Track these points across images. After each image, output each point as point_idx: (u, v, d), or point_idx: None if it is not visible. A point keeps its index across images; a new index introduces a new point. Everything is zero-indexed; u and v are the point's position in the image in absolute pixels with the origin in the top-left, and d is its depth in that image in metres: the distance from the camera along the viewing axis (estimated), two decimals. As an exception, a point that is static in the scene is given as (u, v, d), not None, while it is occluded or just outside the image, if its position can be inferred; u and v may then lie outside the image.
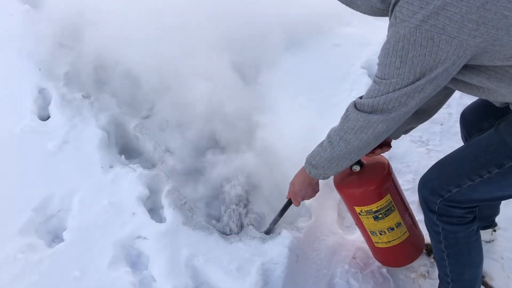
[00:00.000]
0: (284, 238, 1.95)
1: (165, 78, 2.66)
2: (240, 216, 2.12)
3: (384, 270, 1.97)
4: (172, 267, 1.84)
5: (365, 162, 1.77)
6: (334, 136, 1.45)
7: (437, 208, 1.54)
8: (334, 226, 2.04)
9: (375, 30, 3.01)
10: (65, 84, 2.69)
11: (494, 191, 1.46)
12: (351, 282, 1.91)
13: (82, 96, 2.64)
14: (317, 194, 1.80)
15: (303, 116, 2.40)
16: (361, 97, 1.39)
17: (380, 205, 1.72)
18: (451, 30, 1.12)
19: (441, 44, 1.13)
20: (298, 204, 1.81)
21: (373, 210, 1.73)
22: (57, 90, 2.64)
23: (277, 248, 1.92)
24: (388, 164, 1.78)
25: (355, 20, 3.18)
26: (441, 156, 2.34)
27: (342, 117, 1.44)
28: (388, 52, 1.22)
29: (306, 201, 2.08)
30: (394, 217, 1.75)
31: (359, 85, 2.69)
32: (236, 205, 2.16)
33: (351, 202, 1.80)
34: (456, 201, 1.50)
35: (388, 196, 1.72)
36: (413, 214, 1.88)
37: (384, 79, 1.27)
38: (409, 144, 2.47)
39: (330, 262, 1.98)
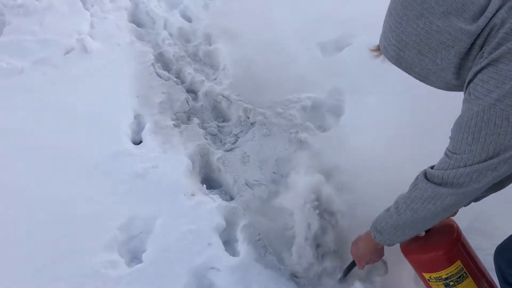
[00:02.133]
0: (355, 290, 1.90)
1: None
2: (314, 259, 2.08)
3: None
4: (242, 303, 1.86)
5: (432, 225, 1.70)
6: (401, 204, 1.43)
7: None
8: (410, 285, 1.95)
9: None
10: (159, 112, 2.87)
11: None
12: None
13: (173, 124, 2.80)
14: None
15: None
16: (432, 167, 1.37)
17: (450, 272, 1.62)
18: None
19: None
20: (362, 268, 1.77)
21: (443, 277, 1.63)
22: (151, 117, 2.83)
23: (349, 299, 1.87)
24: (457, 227, 1.69)
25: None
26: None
27: (411, 185, 1.42)
28: (461, 127, 1.20)
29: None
30: (468, 285, 1.63)
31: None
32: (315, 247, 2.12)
33: (419, 268, 1.72)
34: None
35: (459, 262, 1.61)
36: (493, 282, 1.75)
37: (455, 153, 1.25)
38: (501, 205, 2.31)
39: (403, 321, 1.89)
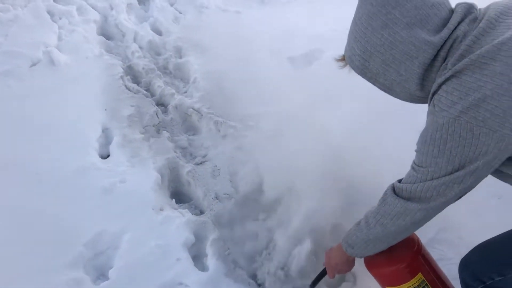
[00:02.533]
0: (325, 303, 1.90)
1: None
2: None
3: None
4: (210, 318, 1.83)
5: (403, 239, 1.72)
6: (371, 218, 1.43)
7: None
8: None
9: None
10: (127, 125, 2.83)
11: None
12: None
13: (142, 138, 2.76)
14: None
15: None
16: (400, 181, 1.36)
17: (412, 284, 1.63)
18: (491, 124, 1.09)
19: (481, 137, 1.10)
20: (333, 277, 1.77)
21: None
22: (119, 130, 2.79)
23: (318, 313, 1.87)
24: (418, 240, 1.70)
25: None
26: (497, 232, 2.26)
27: (380, 199, 1.41)
28: (426, 140, 1.20)
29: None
30: None
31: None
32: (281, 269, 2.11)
33: (382, 281, 1.74)
34: None
35: (420, 275, 1.63)
36: None
37: (421, 166, 1.24)
38: (464, 215, 2.37)
39: (372, 332, 1.90)
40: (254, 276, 2.09)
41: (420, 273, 1.63)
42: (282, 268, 2.04)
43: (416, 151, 1.27)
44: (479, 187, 2.59)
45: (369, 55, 1.24)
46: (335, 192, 2.24)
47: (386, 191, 1.40)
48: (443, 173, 1.20)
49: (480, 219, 2.35)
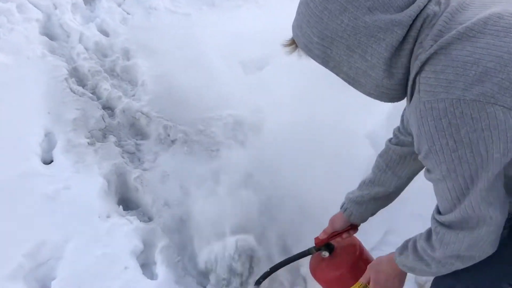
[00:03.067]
0: (276, 308, 1.90)
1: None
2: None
3: None
4: (160, 328, 1.79)
5: (335, 245, 1.75)
6: (443, 260, 1.20)
7: None
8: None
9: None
10: (72, 130, 2.72)
11: None
12: None
13: (88, 142, 2.66)
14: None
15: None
16: (438, 211, 1.17)
17: None
18: (504, 100, 0.93)
19: (498, 115, 0.93)
20: None
21: None
22: (63, 134, 2.67)
23: (269, 318, 1.87)
24: (359, 245, 1.74)
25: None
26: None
27: (434, 239, 1.19)
28: (431, 136, 0.99)
29: (302, 269, 2.05)
30: None
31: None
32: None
33: (326, 287, 1.78)
34: None
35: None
36: None
37: (446, 171, 1.02)
38: (409, 218, 2.45)
39: (323, 336, 1.92)
40: (204, 283, 2.06)
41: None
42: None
43: (427, 169, 1.09)
44: (423, 189, 2.71)
45: (330, 41, 1.08)
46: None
47: (434, 231, 1.19)
48: (474, 167, 0.99)
49: (425, 222, 2.43)
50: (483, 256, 1.16)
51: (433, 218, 1.20)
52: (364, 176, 1.64)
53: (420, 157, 1.09)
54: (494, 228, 1.09)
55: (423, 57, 1.01)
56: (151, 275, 2.04)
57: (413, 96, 1.05)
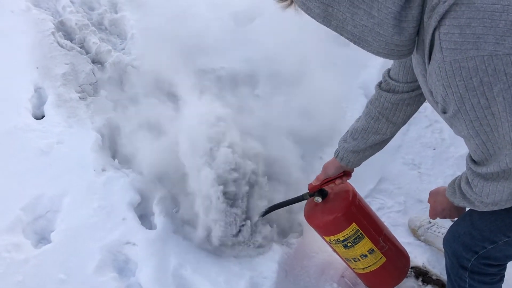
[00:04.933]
0: (274, 253, 1.95)
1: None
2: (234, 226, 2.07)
3: (372, 290, 1.97)
4: (160, 275, 1.83)
5: (329, 191, 1.78)
6: (484, 199, 1.17)
7: (470, 264, 1.41)
8: (324, 243, 2.04)
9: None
10: (62, 84, 2.67)
11: None
12: (338, 301, 1.91)
13: (79, 97, 2.62)
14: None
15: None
16: (473, 160, 1.12)
17: (347, 234, 1.72)
18: None
19: None
20: (434, 218, 1.56)
21: (341, 239, 1.74)
22: (53, 89, 2.63)
23: (267, 263, 1.91)
24: (352, 191, 1.77)
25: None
26: (432, 179, 2.40)
27: (474, 190, 1.17)
28: (461, 96, 0.92)
29: (298, 217, 2.09)
30: (365, 244, 1.75)
31: (354, 105, 2.72)
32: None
33: (319, 232, 1.83)
34: (492, 257, 1.37)
35: (354, 225, 1.72)
36: (392, 237, 1.88)
37: (480, 127, 0.97)
38: (402, 166, 2.49)
39: (319, 280, 1.98)
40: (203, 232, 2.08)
41: (354, 223, 1.71)
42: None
43: (455, 126, 1.03)
44: (416, 139, 2.73)
45: None
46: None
47: (472, 183, 1.17)
48: (506, 124, 0.93)
49: (417, 169, 2.48)
50: None
51: (469, 167, 1.15)
52: (355, 123, 1.60)
53: (446, 116, 1.02)
54: None
55: (441, 9, 0.91)
56: (150, 226, 2.06)
57: (433, 54, 0.95)
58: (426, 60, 1.00)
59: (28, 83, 2.65)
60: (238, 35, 3.14)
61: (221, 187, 1.94)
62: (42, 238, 1.99)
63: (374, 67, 2.95)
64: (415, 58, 1.11)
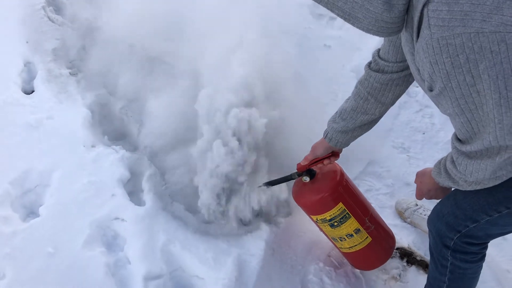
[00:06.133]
0: (262, 232, 1.97)
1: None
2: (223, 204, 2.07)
3: (357, 270, 2.00)
4: (148, 251, 1.84)
5: (317, 171, 1.80)
6: (467, 177, 1.19)
7: (452, 243, 1.45)
8: (311, 223, 2.07)
9: (366, 35, 3.04)
10: (52, 60, 2.64)
11: None
12: (324, 280, 1.94)
13: (70, 73, 2.60)
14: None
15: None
16: (458, 139, 1.14)
17: (333, 214, 1.74)
18: None
19: None
20: (420, 198, 1.57)
21: (327, 218, 1.76)
22: (43, 64, 2.60)
23: (255, 241, 1.94)
24: (340, 172, 1.79)
25: (346, 24, 3.21)
26: (421, 163, 2.43)
27: (458, 168, 1.19)
28: (447, 72, 0.93)
29: (285, 196, 2.10)
30: (351, 224, 1.77)
31: (347, 87, 2.72)
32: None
33: (306, 211, 1.85)
34: (474, 236, 1.40)
35: (340, 204, 1.74)
36: (378, 218, 1.91)
37: (466, 107, 0.98)
38: (391, 149, 2.51)
39: (305, 259, 2.01)
40: (192, 209, 2.10)
41: (340, 202, 1.73)
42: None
43: (441, 104, 1.04)
44: (406, 123, 2.74)
45: None
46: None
47: (456, 162, 1.18)
48: (491, 101, 0.94)
49: (406, 152, 2.50)
50: (510, 174, 1.14)
51: (453, 145, 1.17)
52: (345, 103, 1.60)
53: (432, 94, 1.03)
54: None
55: None
56: (139, 202, 2.07)
57: (422, 31, 0.96)
58: (415, 37, 1.01)
59: (17, 57, 2.61)
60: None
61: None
62: (30, 212, 1.99)
63: (368, 51, 2.96)
64: (404, 36, 1.12)
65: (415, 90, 2.74)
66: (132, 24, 2.78)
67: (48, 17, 2.95)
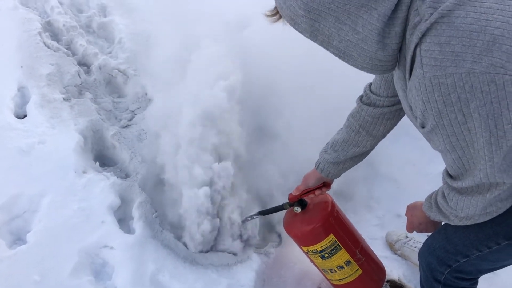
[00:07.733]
0: (252, 262, 1.96)
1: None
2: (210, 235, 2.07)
3: (348, 302, 1.98)
4: (137, 280, 1.81)
5: (309, 201, 1.80)
6: (458, 213, 1.20)
7: (443, 278, 1.44)
8: (302, 253, 2.05)
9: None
10: (46, 85, 2.65)
11: (505, 259, 1.35)
12: (314, 312, 1.92)
13: (63, 98, 2.61)
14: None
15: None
16: (449, 175, 1.15)
17: (324, 245, 1.74)
18: None
19: (507, 87, 0.89)
20: (411, 231, 1.57)
21: (318, 249, 1.75)
22: (37, 89, 2.61)
23: (245, 271, 1.92)
24: (331, 203, 1.79)
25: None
26: (411, 195, 2.42)
27: (450, 204, 1.20)
28: (439, 111, 0.95)
29: (277, 227, 2.10)
30: (342, 256, 1.76)
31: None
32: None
33: (298, 242, 1.84)
34: (465, 271, 1.40)
35: (331, 236, 1.73)
36: (369, 250, 1.90)
37: (457, 145, 1.00)
38: (384, 182, 2.52)
39: (296, 289, 1.98)
40: (181, 238, 2.08)
41: (331, 234, 1.73)
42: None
43: (433, 141, 1.06)
44: (397, 155, 2.76)
45: (317, 14, 1.01)
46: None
47: (447, 197, 1.20)
48: (481, 139, 0.95)
49: (395, 184, 2.52)
50: (500, 211, 1.14)
51: (445, 181, 1.19)
52: (336, 135, 1.62)
53: (424, 131, 1.05)
54: (508, 187, 1.06)
55: (423, 27, 0.94)
56: (128, 230, 2.05)
57: (414, 70, 0.98)
58: (407, 76, 1.03)
59: (11, 81, 2.63)
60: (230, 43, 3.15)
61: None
62: (17, 239, 1.96)
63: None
64: (396, 73, 1.15)
65: (407, 122, 2.75)
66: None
67: (44, 43, 2.99)
